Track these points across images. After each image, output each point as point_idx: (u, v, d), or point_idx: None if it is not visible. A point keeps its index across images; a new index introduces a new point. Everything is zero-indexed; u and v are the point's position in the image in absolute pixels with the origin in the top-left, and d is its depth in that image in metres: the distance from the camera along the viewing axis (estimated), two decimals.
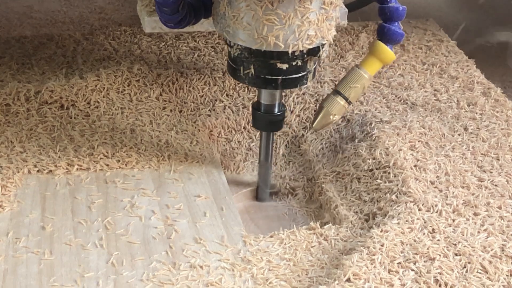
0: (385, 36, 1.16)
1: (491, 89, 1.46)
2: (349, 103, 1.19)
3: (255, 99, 1.20)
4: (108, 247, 1.04)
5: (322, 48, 1.09)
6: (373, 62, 1.18)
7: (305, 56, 1.08)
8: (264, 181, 1.25)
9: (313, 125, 1.21)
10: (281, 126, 1.21)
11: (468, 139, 1.29)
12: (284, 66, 1.09)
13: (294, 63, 1.09)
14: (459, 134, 1.30)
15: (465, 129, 1.32)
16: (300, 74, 1.11)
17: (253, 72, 1.10)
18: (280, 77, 1.10)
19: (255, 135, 1.36)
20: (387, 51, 1.17)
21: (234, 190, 1.25)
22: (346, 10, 1.24)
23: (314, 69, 1.13)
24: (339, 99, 1.18)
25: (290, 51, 1.05)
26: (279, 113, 1.18)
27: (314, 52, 1.09)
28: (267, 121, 1.18)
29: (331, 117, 1.19)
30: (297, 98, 1.39)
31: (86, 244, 1.05)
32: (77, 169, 1.20)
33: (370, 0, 1.35)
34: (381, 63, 1.19)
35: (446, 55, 1.60)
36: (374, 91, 1.43)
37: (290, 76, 1.10)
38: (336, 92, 1.19)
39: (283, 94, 1.31)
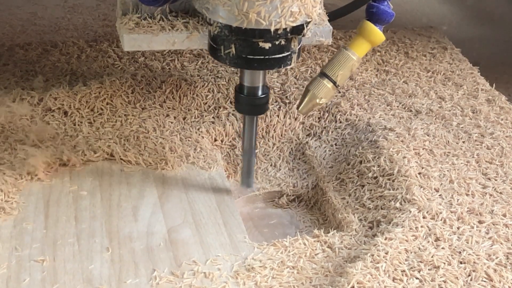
0: (374, 15, 1.12)
1: (496, 97, 1.46)
2: (337, 86, 1.15)
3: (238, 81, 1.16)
4: (112, 255, 1.04)
5: (307, 26, 1.04)
6: (362, 43, 1.14)
7: (289, 34, 1.03)
8: (248, 167, 1.21)
9: (299, 109, 1.17)
10: (265, 110, 1.16)
11: (473, 147, 1.29)
12: (267, 45, 1.03)
13: (277, 42, 1.04)
14: (463, 142, 1.30)
15: (470, 136, 1.32)
16: (283, 54, 1.06)
17: (234, 52, 1.05)
18: (262, 57, 1.05)
19: (259, 142, 1.35)
20: (376, 32, 1.13)
21: (238, 197, 1.25)
22: (331, 28, 1.20)
23: (299, 49, 1.08)
24: (325, 82, 1.15)
25: (272, 29, 1.00)
26: (263, 96, 1.13)
27: (298, 30, 1.03)
28: (250, 104, 1.13)
29: (317, 100, 1.15)
30: None
31: (89, 252, 1.04)
32: (80, 176, 1.20)
33: (361, 3, 1.31)
34: (370, 44, 1.15)
35: (450, 63, 1.60)
36: (378, 99, 1.43)
37: (273, 56, 1.05)
38: (322, 74, 1.15)
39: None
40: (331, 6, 1.42)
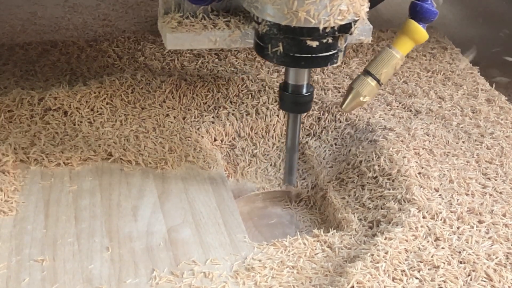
0: (418, 14, 1.12)
1: (495, 97, 1.46)
2: (380, 84, 1.16)
3: (282, 79, 1.16)
4: (112, 254, 1.04)
5: (354, 24, 1.04)
6: (405, 42, 1.15)
7: (336, 33, 1.04)
8: (291, 165, 1.22)
9: (343, 107, 1.17)
10: (309, 108, 1.17)
11: (473, 147, 1.29)
12: (314, 44, 1.04)
13: (324, 41, 1.04)
14: (463, 142, 1.30)
15: (469, 136, 1.32)
16: (330, 52, 1.06)
17: (281, 50, 1.06)
18: (309, 55, 1.05)
19: (259, 142, 1.36)
20: (420, 30, 1.13)
21: (238, 196, 1.25)
22: (371, 27, 1.21)
23: (345, 47, 1.09)
24: (369, 80, 1.15)
25: (321, 27, 1.01)
26: (307, 94, 1.14)
27: (345, 29, 1.04)
28: (294, 102, 1.14)
29: (361, 98, 1.16)
30: None
31: (89, 251, 1.04)
32: (80, 175, 1.20)
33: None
34: (413, 42, 1.15)
35: (450, 63, 1.60)
36: (378, 98, 1.43)
37: (320, 54, 1.06)
38: (366, 72, 1.16)
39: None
40: None
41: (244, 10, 1.12)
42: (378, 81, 1.16)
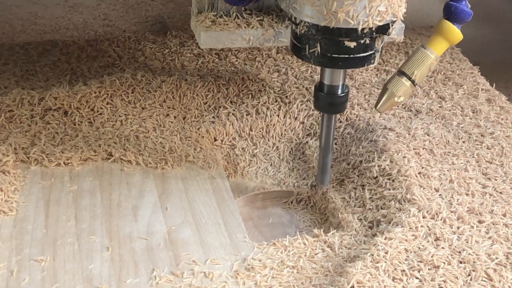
0: (453, 14, 1.13)
1: (496, 96, 1.46)
2: (415, 84, 1.15)
3: (318, 79, 1.15)
4: (112, 254, 1.04)
5: (392, 25, 1.05)
6: (440, 42, 1.14)
7: (374, 33, 1.04)
8: (324, 165, 1.22)
9: (377, 107, 1.17)
10: (344, 108, 1.17)
11: (473, 146, 1.29)
12: (352, 44, 1.04)
13: (362, 41, 1.05)
14: (463, 142, 1.30)
15: (470, 136, 1.32)
16: (367, 53, 1.07)
17: (319, 51, 1.06)
18: (347, 56, 1.06)
19: (259, 142, 1.36)
20: (455, 31, 1.13)
21: (238, 196, 1.25)
22: (403, 25, 1.20)
23: (381, 48, 1.09)
24: (404, 80, 1.15)
25: (359, 28, 1.01)
26: (342, 95, 1.14)
27: (383, 29, 1.04)
28: (329, 102, 1.14)
29: (396, 98, 1.15)
30: (301, 105, 1.39)
31: (89, 251, 1.04)
32: (80, 175, 1.20)
33: None
34: (448, 43, 1.15)
35: (450, 62, 1.60)
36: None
37: (358, 55, 1.06)
38: (400, 72, 1.15)
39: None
40: None
41: (277, 9, 1.11)
42: (413, 81, 1.15)
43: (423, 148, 1.25)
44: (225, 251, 1.06)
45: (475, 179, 1.19)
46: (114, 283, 0.99)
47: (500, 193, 1.17)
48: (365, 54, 1.07)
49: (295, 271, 1.03)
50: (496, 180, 1.20)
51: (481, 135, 1.32)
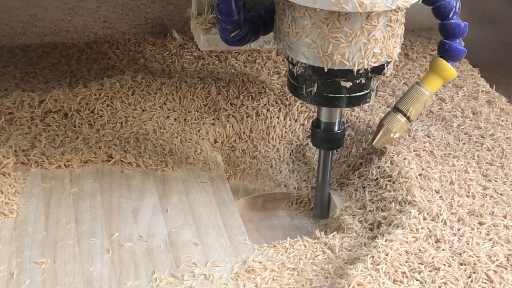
0: (447, 53, 1.15)
1: (496, 98, 1.46)
2: (410, 121, 1.19)
3: (315, 116, 1.18)
4: (112, 256, 1.04)
5: (387, 66, 1.07)
6: (434, 79, 1.17)
7: (369, 74, 1.07)
8: (322, 200, 1.23)
9: (373, 143, 1.21)
10: (341, 144, 1.19)
11: (473, 148, 1.29)
12: (348, 84, 1.07)
13: (358, 81, 1.07)
14: (463, 143, 1.30)
15: (470, 138, 1.32)
16: (363, 92, 1.09)
17: (315, 90, 1.08)
18: (343, 95, 1.08)
19: (260, 144, 1.35)
20: (449, 68, 1.16)
21: (238, 198, 1.25)
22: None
23: (377, 87, 1.12)
24: (399, 117, 1.18)
25: (355, 69, 1.04)
26: (339, 131, 1.16)
27: (378, 70, 1.07)
28: (326, 139, 1.17)
29: (391, 134, 1.19)
30: (301, 107, 1.39)
31: (89, 253, 1.04)
32: (80, 177, 1.20)
33: None
34: (442, 80, 1.18)
35: None
36: (378, 100, 1.43)
37: (354, 94, 1.09)
38: (396, 109, 1.19)
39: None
40: None
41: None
42: (408, 117, 1.19)
43: (423, 150, 1.25)
44: (225, 253, 1.06)
45: (475, 180, 1.19)
46: (115, 285, 0.99)
47: (501, 194, 1.17)
48: (361, 94, 1.09)
49: (296, 273, 1.03)
50: (496, 181, 1.20)
51: (482, 137, 1.32)
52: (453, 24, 1.13)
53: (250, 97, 1.42)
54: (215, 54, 1.56)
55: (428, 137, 1.30)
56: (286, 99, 1.40)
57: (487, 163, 1.25)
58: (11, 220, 1.10)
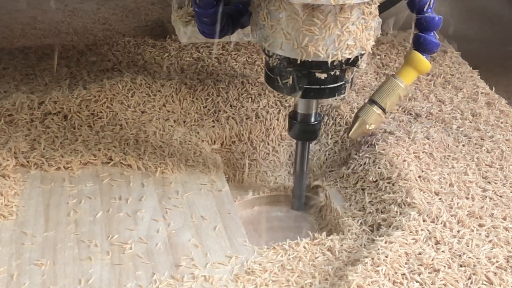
0: (421, 45, 1.16)
1: (495, 100, 1.46)
2: (385, 112, 1.19)
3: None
4: (112, 258, 1.04)
5: (361, 58, 1.09)
6: (409, 72, 1.18)
7: (344, 66, 1.08)
8: (299, 190, 1.25)
9: (349, 134, 1.21)
10: (317, 136, 1.20)
11: (473, 150, 1.29)
12: (323, 76, 1.09)
13: (332, 73, 1.09)
14: (463, 145, 1.30)
15: (469, 140, 1.32)
16: (338, 84, 1.11)
17: (291, 82, 1.10)
18: (318, 87, 1.10)
19: (259, 146, 1.35)
20: (423, 61, 1.17)
21: (238, 200, 1.25)
22: (380, 20, 1.23)
23: (352, 78, 1.13)
24: (375, 109, 1.19)
25: (329, 61, 1.05)
26: (315, 122, 1.18)
27: (353, 62, 1.09)
28: (303, 130, 1.18)
29: (367, 126, 1.20)
30: None
31: (89, 255, 1.04)
32: (80, 179, 1.20)
33: (395, 2, 1.35)
34: (417, 72, 1.19)
35: (450, 66, 1.60)
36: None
37: (329, 86, 1.10)
38: (372, 101, 1.19)
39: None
40: None
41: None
42: (383, 109, 1.19)
43: (423, 152, 1.25)
44: (225, 255, 1.06)
45: (475, 182, 1.19)
46: (114, 287, 0.99)
47: (500, 196, 1.17)
48: (336, 85, 1.11)
49: (295, 275, 1.03)
50: (496, 183, 1.20)
51: (481, 139, 1.32)
52: (428, 18, 1.14)
53: (250, 98, 1.42)
54: (215, 56, 1.56)
55: (428, 139, 1.30)
56: (286, 100, 1.40)
57: (486, 165, 1.25)
58: (10, 222, 1.10)
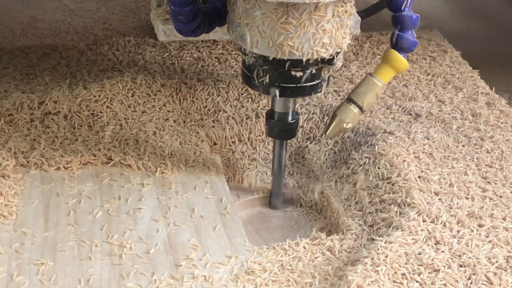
0: (398, 44, 1.16)
1: (496, 100, 1.46)
2: (363, 111, 1.19)
3: (269, 107, 1.20)
4: (111, 258, 1.04)
5: (337, 56, 1.10)
6: (387, 70, 1.18)
7: (320, 64, 1.09)
8: (277, 189, 1.25)
9: (327, 133, 1.21)
10: (294, 134, 1.21)
11: (472, 150, 1.29)
12: (299, 74, 1.09)
13: (308, 71, 1.09)
14: (463, 145, 1.30)
15: (469, 140, 1.32)
16: (314, 82, 1.11)
17: (267, 80, 1.10)
18: (294, 85, 1.10)
19: (259, 146, 1.36)
20: (400, 59, 1.16)
21: (238, 200, 1.25)
22: (359, 18, 1.24)
23: (328, 77, 1.14)
24: (352, 107, 1.18)
25: (304, 59, 1.05)
26: (292, 121, 1.18)
27: (328, 60, 1.09)
28: (280, 129, 1.18)
29: (344, 125, 1.19)
30: (300, 108, 1.39)
31: (89, 255, 1.04)
32: (80, 179, 1.20)
33: (381, 7, 1.35)
34: (394, 71, 1.18)
35: (450, 66, 1.60)
36: (378, 102, 1.43)
37: (305, 84, 1.10)
38: (349, 100, 1.19)
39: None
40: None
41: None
42: (361, 108, 1.18)
43: (422, 152, 1.25)
44: (225, 255, 1.06)
45: (475, 183, 1.19)
46: (114, 287, 0.99)
47: (500, 197, 1.17)
48: (312, 83, 1.11)
49: (295, 275, 1.03)
50: (496, 184, 1.20)
51: (481, 139, 1.32)
52: (405, 16, 1.14)
53: (250, 98, 1.42)
54: (215, 56, 1.56)
55: (428, 139, 1.30)
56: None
57: (486, 165, 1.25)
58: (10, 222, 1.10)
